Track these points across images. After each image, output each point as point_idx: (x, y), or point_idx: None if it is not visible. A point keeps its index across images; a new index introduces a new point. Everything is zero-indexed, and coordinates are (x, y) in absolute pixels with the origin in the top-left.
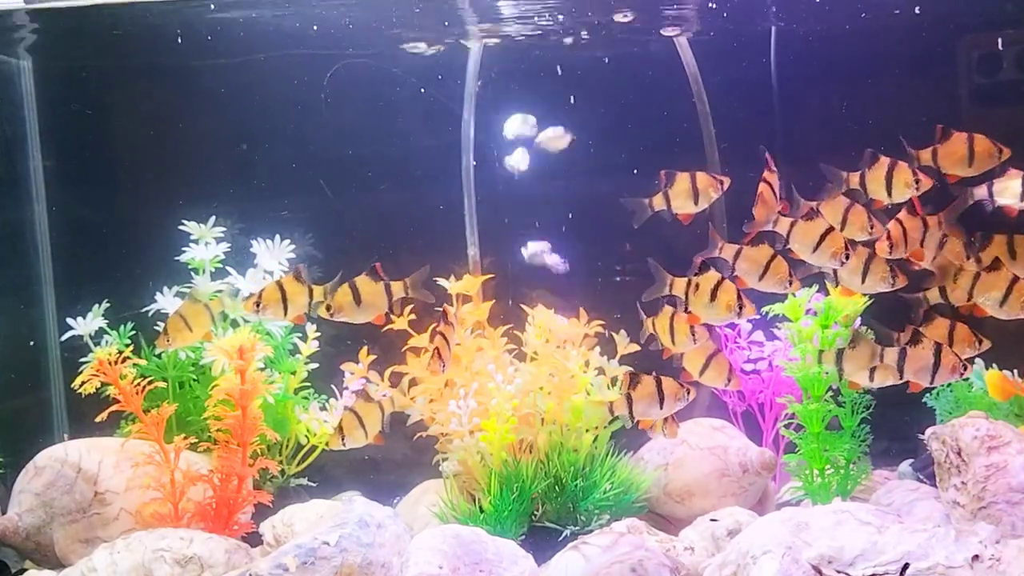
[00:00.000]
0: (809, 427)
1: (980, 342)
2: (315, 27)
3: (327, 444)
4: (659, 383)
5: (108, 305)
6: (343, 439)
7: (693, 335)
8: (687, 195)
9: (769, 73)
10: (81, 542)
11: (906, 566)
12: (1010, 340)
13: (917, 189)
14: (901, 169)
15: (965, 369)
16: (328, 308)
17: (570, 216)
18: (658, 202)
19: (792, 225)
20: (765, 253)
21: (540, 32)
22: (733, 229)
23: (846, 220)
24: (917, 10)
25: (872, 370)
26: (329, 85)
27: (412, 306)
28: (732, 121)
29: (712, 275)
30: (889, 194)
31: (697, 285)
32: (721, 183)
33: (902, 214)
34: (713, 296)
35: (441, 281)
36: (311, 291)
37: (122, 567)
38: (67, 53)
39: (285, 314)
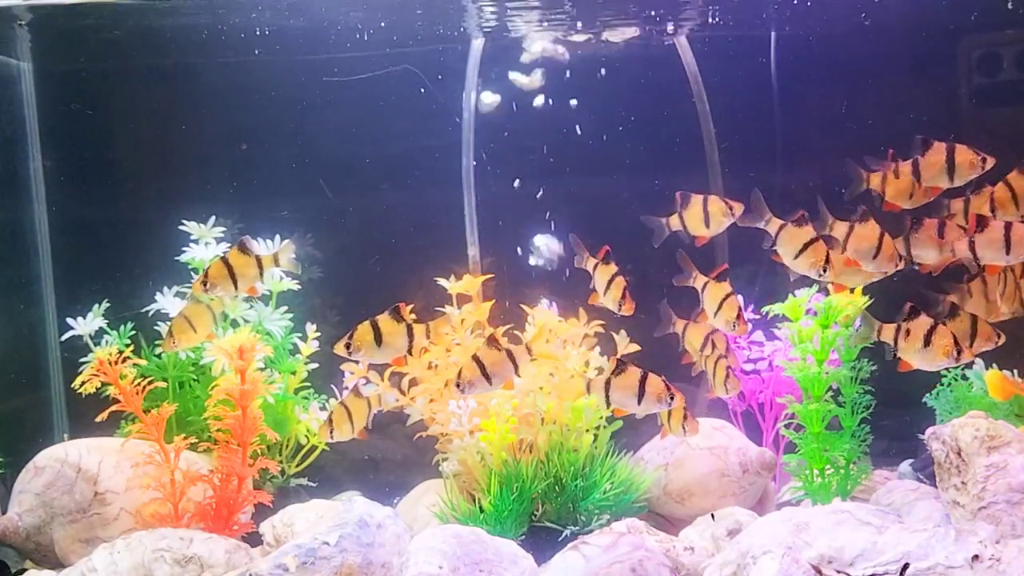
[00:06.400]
0: (809, 427)
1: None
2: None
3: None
4: (644, 379)
5: (108, 305)
6: (331, 432)
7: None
8: (700, 219)
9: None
10: (81, 542)
11: (906, 566)
12: (1010, 340)
13: (983, 169)
14: (962, 151)
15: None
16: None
17: (569, 216)
18: (674, 223)
19: (781, 228)
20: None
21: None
22: (733, 230)
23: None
24: (1010, 5)
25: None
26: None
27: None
28: (732, 121)
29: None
30: (951, 178)
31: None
32: (732, 208)
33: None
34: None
35: (441, 281)
36: (259, 261)
37: (122, 567)
38: (67, 53)
39: (236, 288)
